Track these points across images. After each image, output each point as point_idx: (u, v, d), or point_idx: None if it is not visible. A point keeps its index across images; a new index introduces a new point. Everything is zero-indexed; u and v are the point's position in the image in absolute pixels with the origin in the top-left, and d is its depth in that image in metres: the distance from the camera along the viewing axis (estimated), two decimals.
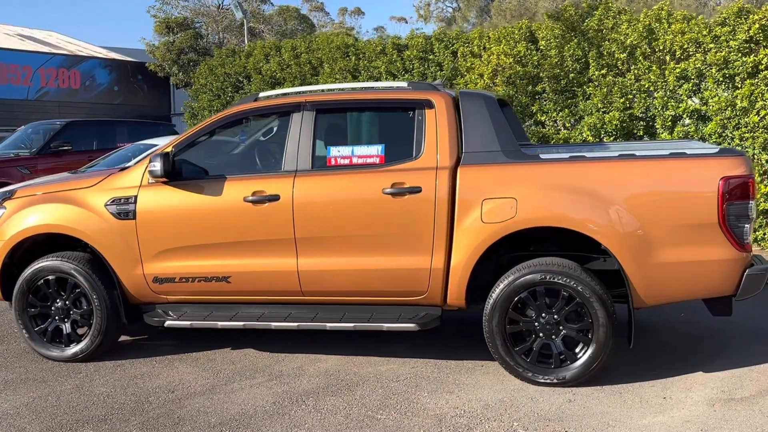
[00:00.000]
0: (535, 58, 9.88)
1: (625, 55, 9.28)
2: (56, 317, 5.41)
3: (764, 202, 8.28)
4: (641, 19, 9.27)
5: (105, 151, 12.15)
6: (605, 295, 4.50)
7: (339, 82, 11.80)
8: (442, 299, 4.85)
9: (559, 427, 4.04)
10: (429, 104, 4.92)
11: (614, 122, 8.97)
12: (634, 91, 9.18)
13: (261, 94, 5.54)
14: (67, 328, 5.39)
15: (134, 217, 5.16)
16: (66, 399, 4.69)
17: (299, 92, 5.83)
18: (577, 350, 4.59)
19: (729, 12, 8.68)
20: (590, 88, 9.51)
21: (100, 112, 27.59)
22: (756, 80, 8.35)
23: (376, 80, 11.71)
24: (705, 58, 8.71)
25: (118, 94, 30.71)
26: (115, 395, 4.73)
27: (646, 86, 9.10)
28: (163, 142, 8.20)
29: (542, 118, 9.89)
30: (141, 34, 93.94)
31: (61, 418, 4.39)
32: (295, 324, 4.99)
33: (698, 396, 4.41)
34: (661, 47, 9.08)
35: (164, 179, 5.08)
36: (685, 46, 8.88)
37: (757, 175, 8.34)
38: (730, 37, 8.55)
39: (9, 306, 5.62)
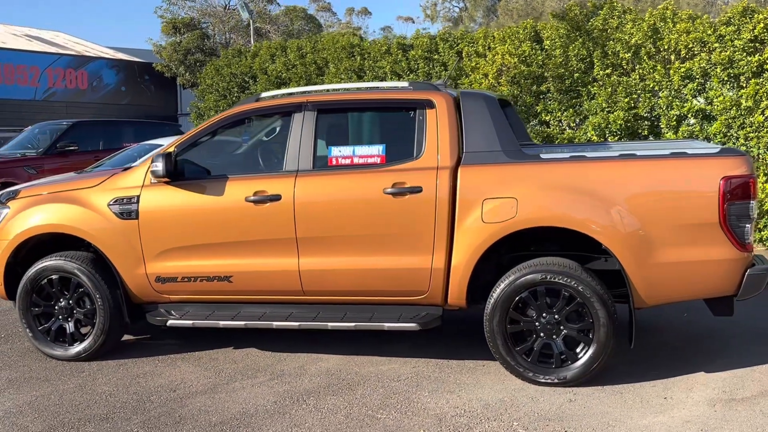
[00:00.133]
0: (540, 57, 9.87)
1: (629, 54, 9.26)
2: (60, 316, 5.44)
3: None
4: (646, 18, 9.25)
5: (111, 151, 12.21)
6: (606, 295, 4.50)
7: (344, 82, 11.82)
8: (443, 299, 4.85)
9: (560, 427, 4.04)
10: (430, 104, 4.92)
11: (619, 122, 8.95)
12: (639, 91, 9.15)
13: (263, 94, 5.56)
14: (70, 327, 5.43)
15: (137, 217, 5.19)
16: (69, 398, 4.72)
17: (301, 92, 5.84)
18: (578, 350, 4.59)
19: (734, 11, 8.65)
20: (595, 88, 9.49)
21: (108, 113, 27.67)
22: (761, 80, 8.32)
23: (381, 80, 11.72)
24: (710, 58, 8.69)
25: (125, 94, 30.82)
26: (117, 394, 4.76)
27: (651, 86, 9.08)
28: (168, 143, 8.21)
29: (547, 118, 9.87)
30: (141, 33, 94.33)
31: (63, 416, 4.42)
32: (297, 323, 5.01)
33: (699, 396, 4.40)
34: (665, 47, 9.05)
35: (166, 179, 5.11)
36: (690, 46, 8.85)
37: (761, 174, 8.31)
38: (735, 36, 8.52)
39: (13, 305, 5.65)
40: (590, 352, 4.52)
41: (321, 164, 5.04)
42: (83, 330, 5.45)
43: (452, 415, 4.25)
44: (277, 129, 5.57)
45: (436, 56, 11.41)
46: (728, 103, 8.40)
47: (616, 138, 9.05)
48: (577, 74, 9.64)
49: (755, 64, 8.34)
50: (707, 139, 8.65)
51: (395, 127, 5.21)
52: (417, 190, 4.75)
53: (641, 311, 4.84)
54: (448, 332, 5.71)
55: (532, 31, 10.29)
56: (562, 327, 4.58)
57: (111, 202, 5.25)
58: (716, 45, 8.66)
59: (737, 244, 4.41)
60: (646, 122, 9.16)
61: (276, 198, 4.96)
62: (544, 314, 4.60)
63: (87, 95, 29.36)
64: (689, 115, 8.83)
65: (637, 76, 9.20)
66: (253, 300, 5.22)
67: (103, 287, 5.27)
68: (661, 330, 5.75)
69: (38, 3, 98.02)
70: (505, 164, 4.75)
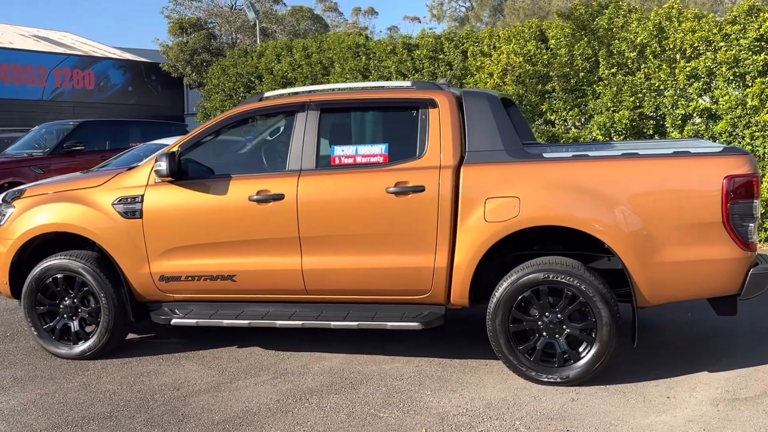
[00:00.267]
0: (545, 57, 9.87)
1: (635, 53, 9.24)
2: (64, 315, 5.46)
3: None
4: (651, 17, 9.23)
5: (117, 150, 12.24)
6: (609, 294, 4.49)
7: (349, 82, 11.83)
8: (445, 298, 4.86)
9: (562, 426, 4.04)
10: (432, 103, 4.93)
11: (624, 121, 8.94)
12: (644, 90, 9.14)
13: (267, 94, 5.58)
14: (75, 325, 5.45)
15: (141, 216, 5.21)
16: (73, 396, 4.74)
17: (305, 92, 5.86)
18: (580, 349, 4.58)
19: (739, 10, 8.62)
20: (600, 87, 9.48)
21: (115, 113, 27.80)
22: (766, 78, 8.29)
23: (387, 80, 11.73)
24: (715, 57, 8.66)
25: (132, 94, 30.95)
26: (121, 392, 4.78)
27: (656, 85, 9.06)
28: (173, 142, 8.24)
29: (552, 117, 9.87)
30: (144, 33, 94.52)
31: (68, 414, 4.44)
32: (300, 322, 5.02)
33: (702, 396, 4.39)
34: (671, 46, 9.03)
35: (170, 178, 5.12)
36: (696, 45, 8.83)
37: (767, 174, 8.28)
38: (741, 35, 8.49)
39: (18, 304, 5.68)
40: (593, 351, 4.52)
41: (324, 163, 5.05)
42: (88, 329, 5.48)
43: (454, 414, 4.25)
44: (281, 128, 5.58)
45: (441, 56, 11.42)
46: (734, 102, 8.38)
47: (622, 137, 9.03)
48: (582, 73, 9.62)
49: (761, 63, 8.32)
50: (713, 138, 8.62)
51: (398, 126, 5.21)
52: (420, 189, 4.76)
53: (644, 310, 4.82)
54: (451, 331, 5.71)
55: (537, 30, 10.28)
56: (564, 326, 4.58)
57: (115, 202, 5.28)
58: (722, 44, 8.63)
59: (740, 243, 4.39)
60: (651, 121, 9.15)
61: (279, 197, 4.97)
62: (546, 313, 4.60)
63: (94, 95, 29.51)
64: (695, 115, 8.81)
65: (643, 76, 9.18)
66: (257, 299, 5.23)
67: (107, 286, 5.29)
68: (663, 329, 5.73)
69: (39, 3, 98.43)
70: (508, 163, 4.75)
